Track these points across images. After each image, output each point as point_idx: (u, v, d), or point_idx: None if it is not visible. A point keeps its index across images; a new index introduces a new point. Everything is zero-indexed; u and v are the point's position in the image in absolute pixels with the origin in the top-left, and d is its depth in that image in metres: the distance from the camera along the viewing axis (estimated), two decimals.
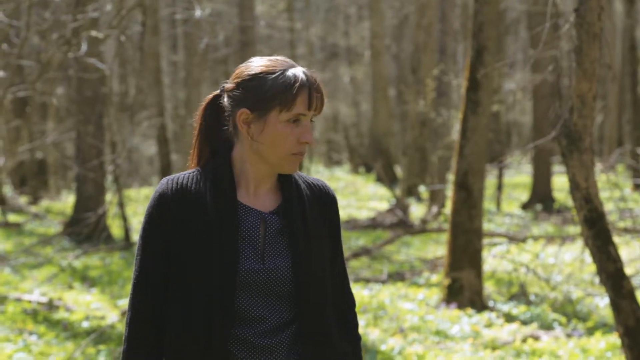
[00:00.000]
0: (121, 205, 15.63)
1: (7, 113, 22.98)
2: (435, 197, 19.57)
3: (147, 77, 22.55)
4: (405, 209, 18.81)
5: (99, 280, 12.44)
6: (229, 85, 2.79)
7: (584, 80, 5.86)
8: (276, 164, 2.76)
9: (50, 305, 10.48)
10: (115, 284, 12.09)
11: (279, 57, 2.79)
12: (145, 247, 2.76)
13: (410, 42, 28.35)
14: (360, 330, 9.06)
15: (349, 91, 41.10)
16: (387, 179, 24.87)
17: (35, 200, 24.96)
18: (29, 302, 10.65)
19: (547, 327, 9.41)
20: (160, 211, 2.74)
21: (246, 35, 24.69)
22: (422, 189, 24.13)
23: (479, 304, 10.14)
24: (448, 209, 12.55)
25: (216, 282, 2.67)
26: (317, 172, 37.97)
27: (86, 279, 12.57)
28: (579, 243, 13.37)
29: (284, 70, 2.73)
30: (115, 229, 17.08)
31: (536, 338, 8.80)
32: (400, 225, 18.02)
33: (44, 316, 10.00)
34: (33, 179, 25.53)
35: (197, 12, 15.33)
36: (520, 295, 10.67)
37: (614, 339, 8.43)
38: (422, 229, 16.78)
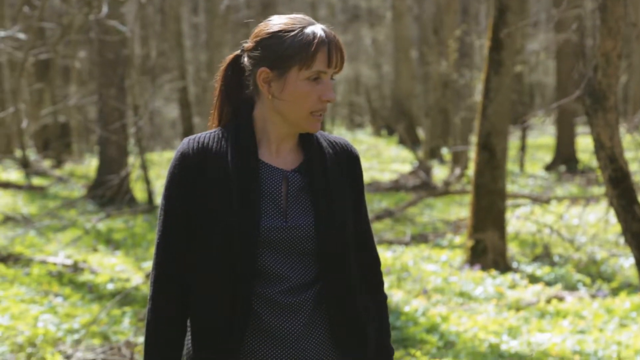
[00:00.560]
0: (144, 168, 15.67)
1: (29, 76, 23.05)
2: (458, 159, 19.52)
3: (168, 39, 22.53)
4: (428, 170, 18.78)
5: (123, 243, 12.50)
6: (248, 44, 2.78)
7: (608, 38, 5.79)
8: (297, 123, 2.75)
9: (75, 268, 10.54)
10: (139, 247, 12.14)
11: (298, 15, 2.77)
12: (168, 207, 2.76)
13: (432, 2, 28.14)
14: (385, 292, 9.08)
15: (371, 53, 40.96)
16: (410, 141, 24.81)
17: (58, 163, 25.05)
18: (54, 264, 10.72)
19: (572, 287, 9.39)
20: (182, 171, 2.73)
21: None
22: (445, 151, 24.06)
23: (503, 265, 10.13)
24: (471, 170, 12.51)
25: (238, 240, 2.66)
26: (339, 135, 37.91)
27: (110, 242, 12.63)
28: (603, 204, 13.30)
29: (303, 28, 2.71)
30: (138, 192, 17.14)
31: (560, 299, 8.78)
32: (423, 187, 18.00)
33: (69, 278, 10.06)
34: (56, 142, 25.61)
35: None
36: (544, 256, 10.65)
37: (639, 299, 8.41)
38: (445, 191, 16.75)
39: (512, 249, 11.16)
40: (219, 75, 2.85)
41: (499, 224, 10.23)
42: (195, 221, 2.72)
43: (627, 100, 29.92)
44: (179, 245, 2.74)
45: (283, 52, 2.69)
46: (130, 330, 7.85)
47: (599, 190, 15.88)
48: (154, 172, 19.08)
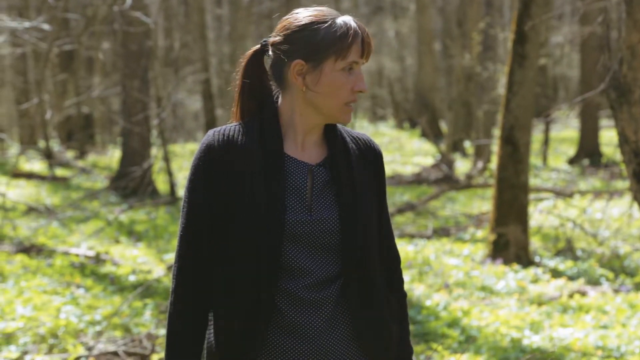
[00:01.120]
0: (166, 159, 15.70)
1: (53, 67, 23.13)
2: (481, 152, 19.45)
3: (192, 31, 22.54)
4: (450, 164, 18.72)
5: (145, 235, 12.53)
6: (275, 38, 2.76)
7: (634, 31, 5.74)
8: (330, 115, 2.75)
9: (97, 259, 10.57)
10: (161, 239, 12.17)
11: (323, 7, 2.77)
12: (191, 200, 2.74)
13: None
14: (406, 286, 9.04)
15: (394, 46, 40.86)
16: (432, 134, 24.75)
17: (81, 154, 25.16)
18: (77, 255, 10.75)
19: (594, 282, 9.34)
20: (207, 162, 2.72)
21: None
22: (468, 144, 23.99)
23: (525, 260, 10.09)
24: (494, 164, 12.47)
25: (263, 233, 2.65)
26: (362, 128, 37.88)
27: (132, 233, 12.66)
28: (627, 198, 13.23)
29: (334, 19, 2.72)
30: (161, 183, 17.18)
31: (583, 293, 8.74)
32: (445, 180, 17.96)
33: (91, 270, 10.09)
34: (80, 133, 25.71)
35: None
36: (567, 250, 10.59)
37: None
38: (468, 184, 16.70)
39: (535, 243, 11.11)
40: (240, 71, 2.84)
41: (522, 218, 10.19)
42: (220, 214, 2.71)
43: None
44: (202, 238, 2.73)
45: (318, 44, 2.69)
46: (151, 322, 7.86)
47: (622, 184, 15.79)
48: (176, 163, 19.12)
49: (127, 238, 12.35)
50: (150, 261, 10.78)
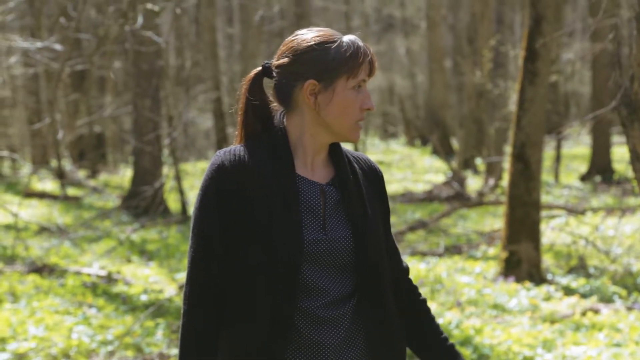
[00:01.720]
0: (178, 178, 15.73)
1: (65, 87, 23.21)
2: (492, 170, 19.43)
3: (203, 50, 22.60)
4: (461, 181, 18.70)
5: (157, 254, 12.53)
6: (282, 60, 2.76)
7: None
8: (341, 133, 2.77)
9: (109, 279, 10.58)
10: (173, 258, 12.17)
11: (324, 28, 2.80)
12: (202, 220, 2.73)
13: (467, 12, 28.08)
14: None
15: (405, 63, 40.90)
16: (443, 151, 24.74)
17: (93, 173, 25.22)
18: (89, 275, 10.76)
19: (607, 300, 9.30)
20: (218, 183, 2.71)
21: (301, 7, 24.62)
22: (479, 161, 23.96)
23: (537, 277, 10.05)
24: (505, 181, 12.45)
25: (281, 254, 2.65)
26: (373, 145, 37.89)
27: (144, 253, 12.67)
28: None
29: (342, 38, 2.75)
30: (172, 202, 17.20)
31: (596, 311, 8.70)
32: (456, 198, 17.93)
33: (103, 289, 10.10)
34: (91, 152, 25.78)
35: None
36: (580, 268, 10.55)
37: None
38: (479, 202, 16.67)
39: (547, 260, 11.07)
40: (242, 93, 2.85)
41: (534, 236, 10.16)
42: (233, 235, 2.70)
43: None
44: (214, 259, 2.72)
45: (330, 63, 2.71)
46: (163, 342, 7.85)
47: (635, 201, 15.74)
48: (187, 182, 19.15)
49: (139, 257, 12.35)
50: (162, 280, 10.77)
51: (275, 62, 2.79)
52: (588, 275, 10.31)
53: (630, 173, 18.59)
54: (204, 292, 2.73)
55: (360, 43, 2.75)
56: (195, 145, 31.70)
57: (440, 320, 8.35)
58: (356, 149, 23.84)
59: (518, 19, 26.20)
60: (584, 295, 9.42)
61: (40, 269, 11.05)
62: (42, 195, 19.68)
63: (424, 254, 12.01)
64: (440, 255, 11.91)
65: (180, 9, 13.83)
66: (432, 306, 8.97)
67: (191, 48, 23.90)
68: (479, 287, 9.70)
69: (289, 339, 2.67)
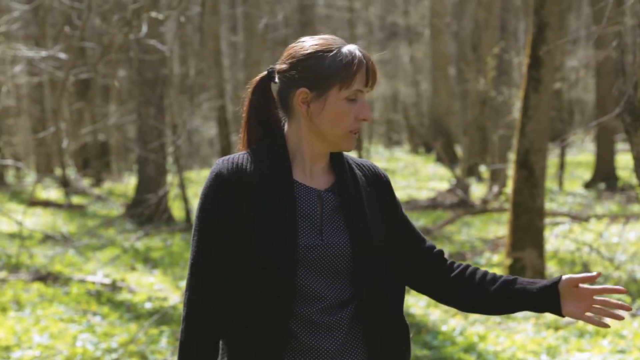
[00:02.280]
0: (182, 186, 15.74)
1: (70, 95, 23.25)
2: (496, 177, 19.42)
3: (207, 58, 22.62)
4: (465, 188, 18.69)
5: (161, 262, 12.54)
6: (282, 66, 2.79)
7: None
8: (335, 142, 2.77)
9: (114, 287, 10.59)
10: (177, 265, 12.18)
11: (328, 36, 2.80)
12: (202, 228, 2.76)
13: (470, 19, 28.09)
14: (421, 311, 9.04)
15: (409, 70, 40.91)
16: (447, 158, 24.73)
17: (97, 182, 25.24)
18: (93, 283, 10.77)
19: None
20: (217, 191, 2.74)
21: (305, 15, 24.67)
22: (483, 169, 23.95)
23: None
24: (509, 188, 12.44)
25: (277, 259, 2.66)
26: (377, 153, 37.90)
27: (148, 261, 12.68)
28: None
29: (340, 48, 2.75)
30: (176, 210, 17.21)
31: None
32: (460, 205, 17.92)
33: (108, 297, 10.11)
34: (96, 161, 25.81)
35: None
36: None
37: None
38: (483, 209, 16.66)
39: (551, 267, 11.07)
40: (247, 98, 2.87)
41: (538, 243, 10.15)
42: (232, 241, 2.72)
43: None
44: (214, 266, 2.74)
45: (323, 72, 2.71)
46: (167, 349, 7.86)
47: (639, 208, 15.73)
48: (191, 190, 19.16)
49: (143, 265, 12.37)
50: (166, 288, 10.78)
51: (277, 67, 2.81)
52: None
53: (634, 180, 18.58)
54: (204, 298, 2.75)
55: (358, 53, 2.73)
56: (200, 153, 31.74)
57: (444, 327, 8.35)
58: (360, 157, 23.86)
59: (522, 26, 26.22)
60: None
61: (45, 277, 11.06)
62: (46, 204, 19.70)
63: None
64: None
65: (185, 17, 13.86)
66: (436, 313, 8.97)
67: (195, 56, 23.95)
68: None
69: (286, 344, 2.69)
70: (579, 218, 14.46)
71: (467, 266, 2.95)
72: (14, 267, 11.91)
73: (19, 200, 20.65)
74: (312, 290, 2.70)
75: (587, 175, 23.36)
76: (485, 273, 2.92)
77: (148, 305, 9.70)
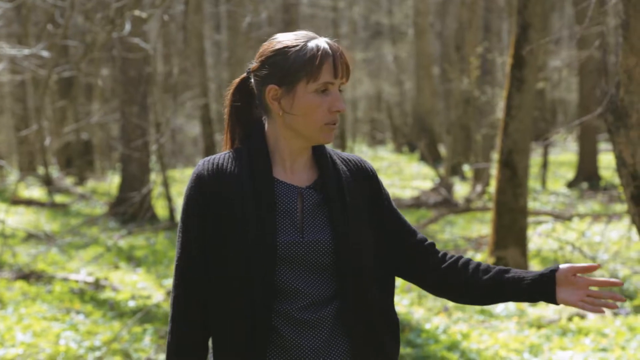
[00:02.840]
0: (165, 185, 15.72)
1: (52, 94, 23.18)
2: (480, 176, 19.47)
3: (190, 57, 22.61)
4: (449, 187, 18.73)
5: (145, 260, 12.52)
6: (254, 65, 2.81)
7: (631, 55, 5.76)
8: (310, 136, 2.78)
9: (97, 285, 10.57)
10: (161, 264, 12.17)
11: (301, 32, 2.81)
12: (185, 228, 2.78)
13: (454, 19, 28.15)
14: (405, 310, 9.06)
15: (393, 70, 40.98)
16: (431, 157, 24.78)
17: (81, 180, 25.17)
18: (76, 281, 10.75)
19: None
20: (198, 192, 2.76)
21: (289, 13, 24.68)
22: (466, 168, 24.02)
23: None
24: (492, 187, 12.48)
25: (256, 257, 2.67)
26: (360, 152, 37.91)
27: (132, 259, 12.66)
28: (626, 221, 13.25)
29: (306, 42, 2.75)
30: (160, 209, 17.19)
31: (582, 317, 8.73)
32: (444, 204, 17.96)
33: (91, 296, 10.09)
34: (79, 159, 25.73)
35: None
36: None
37: None
38: (467, 208, 16.71)
39: (534, 266, 11.11)
40: (228, 99, 2.89)
41: (521, 241, 10.20)
42: (213, 241, 2.74)
43: None
44: (198, 265, 2.76)
45: (289, 68, 2.73)
46: (151, 347, 7.86)
47: (621, 207, 15.81)
48: (175, 189, 19.13)
49: (127, 264, 12.35)
50: (150, 286, 10.77)
51: (251, 66, 2.83)
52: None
53: (616, 179, 18.66)
54: (190, 298, 2.77)
55: (324, 45, 2.73)
56: (183, 151, 31.70)
57: (427, 326, 8.37)
58: None
59: (505, 26, 26.27)
60: None
61: (28, 275, 11.03)
62: (29, 202, 19.63)
63: None
64: None
65: (168, 15, 13.84)
66: (420, 312, 8.99)
67: (179, 55, 23.92)
68: None
69: (269, 342, 2.70)
70: (561, 217, 14.52)
71: (460, 257, 2.95)
72: None
73: (1, 199, 20.58)
74: (294, 287, 2.71)
75: (570, 174, 23.45)
76: (479, 263, 2.93)
77: (131, 304, 9.69)
